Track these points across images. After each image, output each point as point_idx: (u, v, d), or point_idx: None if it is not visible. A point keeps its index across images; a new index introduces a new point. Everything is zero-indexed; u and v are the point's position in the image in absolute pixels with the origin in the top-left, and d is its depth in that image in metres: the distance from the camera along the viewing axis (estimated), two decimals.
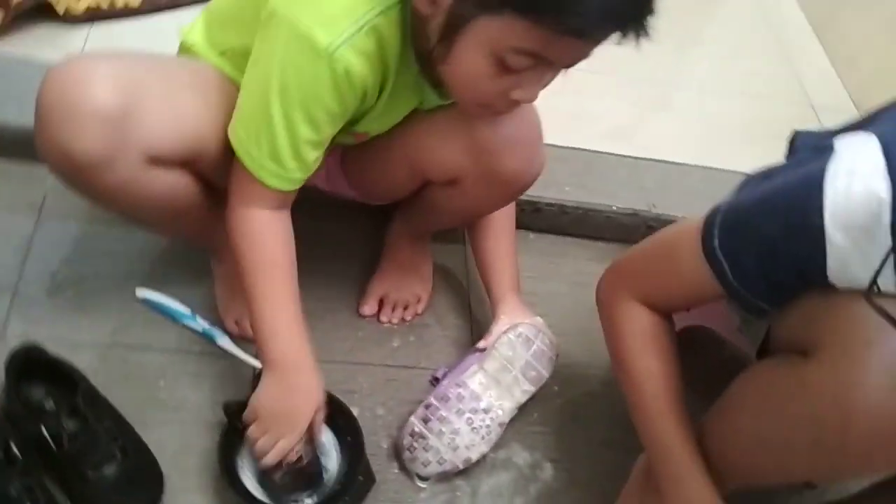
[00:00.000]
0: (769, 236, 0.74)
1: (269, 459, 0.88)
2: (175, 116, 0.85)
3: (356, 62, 0.78)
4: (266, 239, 0.88)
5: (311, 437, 0.92)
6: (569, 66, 0.77)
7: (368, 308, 1.15)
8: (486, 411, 1.01)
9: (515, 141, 0.93)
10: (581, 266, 1.29)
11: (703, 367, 0.97)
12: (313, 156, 0.85)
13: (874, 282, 0.66)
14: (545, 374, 1.07)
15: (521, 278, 1.13)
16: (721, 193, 0.85)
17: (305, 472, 0.93)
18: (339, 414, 0.98)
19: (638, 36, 0.72)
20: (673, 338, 0.90)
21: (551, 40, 0.71)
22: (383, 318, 1.15)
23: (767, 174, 0.82)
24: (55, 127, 0.78)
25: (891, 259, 0.66)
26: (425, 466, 0.99)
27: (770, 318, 0.82)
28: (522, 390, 1.05)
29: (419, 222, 1.15)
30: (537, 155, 0.97)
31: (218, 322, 1.07)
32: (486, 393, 1.02)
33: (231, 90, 0.88)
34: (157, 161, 0.84)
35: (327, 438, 0.97)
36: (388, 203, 1.14)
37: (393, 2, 0.79)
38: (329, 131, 0.85)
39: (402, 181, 1.03)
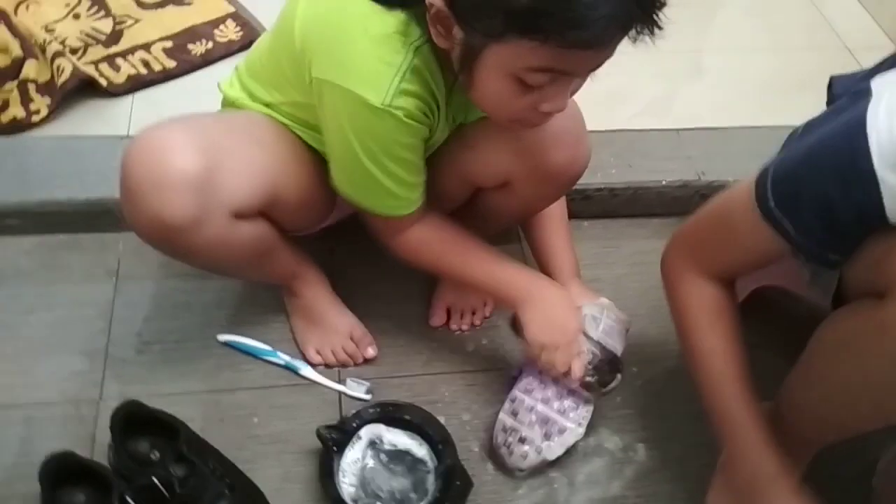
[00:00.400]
0: (823, 188, 0.74)
1: (578, 371, 0.97)
2: (250, 170, 0.91)
3: (411, 104, 0.84)
4: (433, 248, 0.99)
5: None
6: (591, 72, 0.79)
7: (437, 319, 1.17)
8: (571, 394, 1.02)
9: (559, 135, 0.95)
10: (639, 246, 1.30)
11: (781, 326, 0.96)
12: (418, 179, 0.93)
13: None
14: (619, 347, 1.07)
15: (581, 266, 1.14)
16: (768, 151, 0.85)
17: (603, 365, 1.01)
18: (428, 424, 1.00)
19: (651, 32, 0.73)
20: (736, 311, 0.90)
21: (562, 55, 0.72)
22: (453, 326, 1.17)
23: (810, 126, 0.82)
24: (145, 196, 0.83)
25: None
26: (524, 459, 1.00)
27: (840, 268, 0.82)
28: (617, 335, 1.05)
29: (474, 229, 1.17)
30: (583, 145, 0.99)
31: (298, 354, 1.11)
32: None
33: (287, 135, 0.95)
34: (240, 215, 0.90)
35: (420, 449, 1.00)
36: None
37: (420, 38, 0.82)
38: (418, 157, 0.91)
39: (454, 192, 1.06)
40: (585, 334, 1.01)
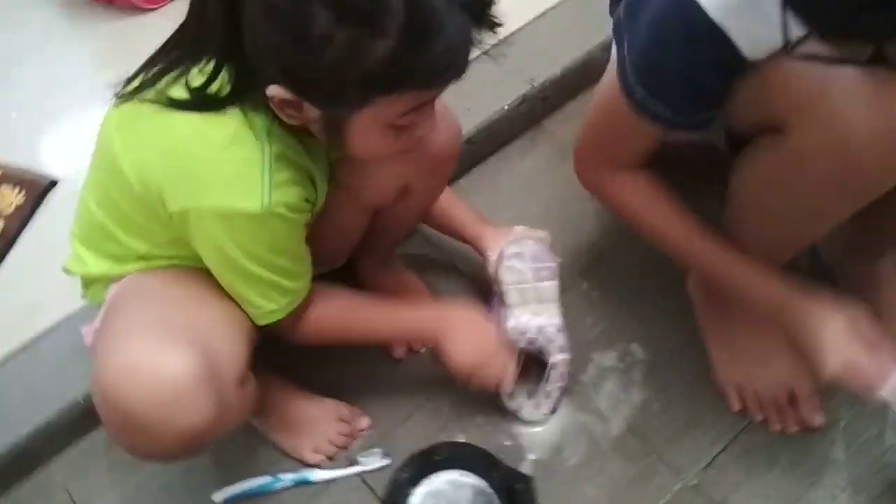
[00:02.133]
0: (679, 61, 0.77)
1: (508, 385, 1.01)
2: (225, 331, 0.86)
3: (291, 194, 0.79)
4: (334, 323, 0.96)
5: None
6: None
7: (398, 352, 1.14)
8: (540, 331, 1.04)
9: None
10: (520, 173, 1.31)
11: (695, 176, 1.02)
12: (308, 263, 0.90)
13: (787, 41, 0.68)
14: (553, 264, 1.10)
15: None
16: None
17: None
18: (463, 453, 1.01)
19: (492, 27, 0.72)
20: (661, 181, 0.94)
21: (422, 93, 0.73)
22: (397, 354, 1.14)
23: (631, 6, 0.84)
24: (158, 419, 0.76)
25: (789, 14, 0.68)
26: (538, 408, 1.05)
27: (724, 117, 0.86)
28: (550, 290, 1.08)
29: (383, 248, 1.14)
30: (453, 118, 1.00)
31: (299, 465, 1.06)
32: (529, 320, 1.05)
33: (198, 274, 0.88)
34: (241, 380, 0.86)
35: (469, 478, 0.99)
36: (345, 260, 1.12)
37: (267, 122, 0.77)
38: (303, 242, 0.88)
39: (359, 224, 1.03)
40: (516, 334, 1.03)
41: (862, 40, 0.59)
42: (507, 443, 1.06)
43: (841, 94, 0.69)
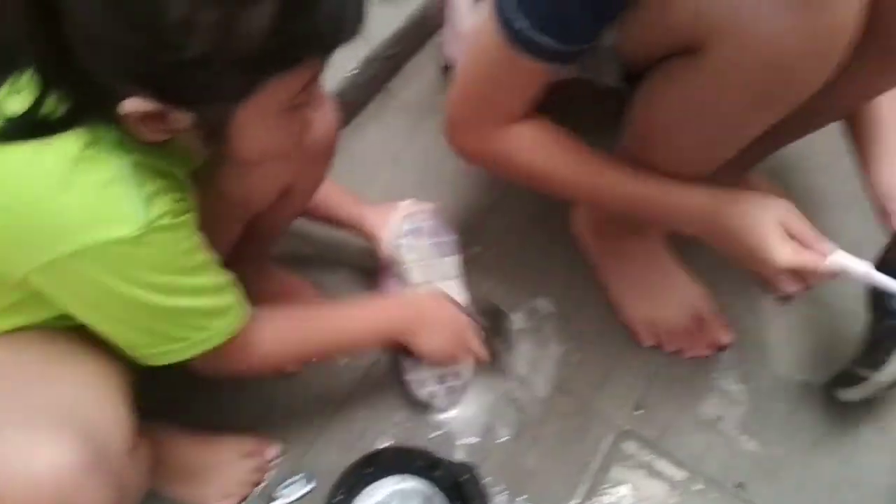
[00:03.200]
0: None
1: (483, 353, 0.95)
2: (105, 400, 0.70)
3: (167, 201, 0.63)
4: (288, 340, 0.82)
5: None
6: None
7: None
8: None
9: None
10: (372, 144, 1.21)
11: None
12: (227, 274, 0.73)
13: None
14: (452, 237, 1.05)
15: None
16: None
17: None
18: (397, 458, 0.92)
19: None
20: (552, 124, 0.87)
21: (320, 62, 0.61)
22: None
23: None
24: None
25: None
26: (451, 393, 0.99)
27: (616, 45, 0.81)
28: (453, 265, 1.03)
29: (258, 254, 0.99)
30: (326, 93, 0.83)
31: None
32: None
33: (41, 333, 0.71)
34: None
35: (410, 482, 0.91)
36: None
37: (116, 136, 0.61)
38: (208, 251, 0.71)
39: (231, 233, 0.89)
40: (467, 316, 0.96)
41: None
42: (434, 434, 0.98)
43: (760, 2, 0.66)
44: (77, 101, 0.58)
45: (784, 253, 0.78)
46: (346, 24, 0.59)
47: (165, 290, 0.65)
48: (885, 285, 0.80)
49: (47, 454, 0.61)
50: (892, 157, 0.90)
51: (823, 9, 0.65)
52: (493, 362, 1.00)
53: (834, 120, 0.95)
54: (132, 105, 0.56)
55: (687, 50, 0.73)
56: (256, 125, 0.62)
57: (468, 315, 0.96)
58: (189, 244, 0.67)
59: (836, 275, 0.80)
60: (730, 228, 0.82)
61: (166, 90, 0.56)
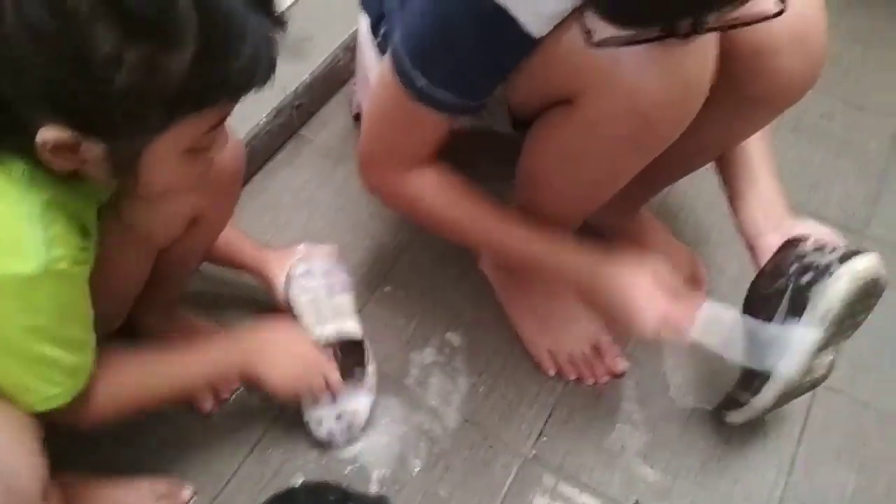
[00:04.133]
0: (463, 42, 0.78)
1: (337, 383, 0.95)
2: (11, 446, 0.70)
3: (69, 244, 0.66)
4: (122, 393, 0.83)
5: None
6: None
7: (207, 405, 1.03)
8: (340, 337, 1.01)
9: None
10: (286, 189, 1.25)
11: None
12: (92, 332, 0.76)
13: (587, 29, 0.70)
14: (345, 276, 1.08)
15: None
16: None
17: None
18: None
19: (281, 23, 0.66)
20: (451, 172, 0.93)
21: (230, 104, 0.66)
22: (205, 408, 1.03)
23: None
24: None
25: None
26: (350, 429, 1.00)
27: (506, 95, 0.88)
28: (346, 303, 1.05)
29: (166, 296, 1.02)
30: (230, 128, 0.85)
31: None
32: (324, 329, 1.00)
33: None
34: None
35: None
36: (123, 319, 0.98)
37: (27, 169, 0.64)
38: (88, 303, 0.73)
39: (139, 270, 0.91)
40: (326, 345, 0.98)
41: (654, 24, 0.64)
42: (349, 468, 1.01)
43: (629, 61, 0.73)
44: None
45: (650, 319, 0.86)
46: (258, 74, 0.64)
47: (35, 332, 0.68)
48: (752, 329, 0.89)
49: None
50: (756, 195, 0.99)
51: (680, 65, 0.73)
52: (346, 389, 1.00)
53: (707, 161, 1.05)
54: (48, 133, 0.59)
55: (566, 101, 0.81)
56: (164, 161, 0.66)
57: (327, 345, 0.96)
58: (79, 294, 0.70)
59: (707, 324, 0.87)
60: (606, 287, 0.90)
61: (83, 120, 0.59)
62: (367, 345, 1.03)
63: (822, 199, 1.34)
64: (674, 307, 0.87)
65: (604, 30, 0.67)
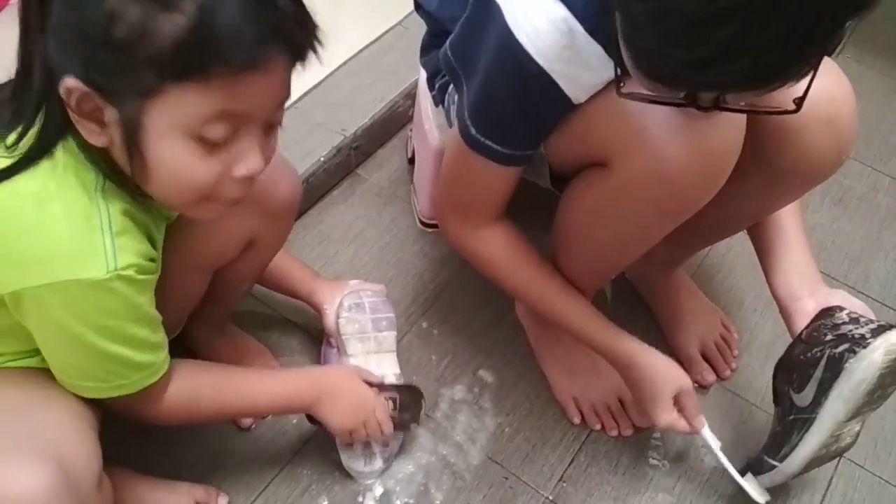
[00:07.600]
0: (511, 101, 0.84)
1: (389, 431, 1.01)
2: (72, 432, 0.78)
3: (136, 252, 0.73)
4: (201, 400, 0.89)
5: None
6: (274, 113, 0.73)
7: (246, 421, 1.09)
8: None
9: (272, 168, 0.78)
10: (338, 224, 1.32)
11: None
12: (163, 332, 0.82)
13: (618, 79, 0.76)
14: (391, 315, 1.14)
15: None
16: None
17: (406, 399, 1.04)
18: None
19: (314, 49, 0.70)
20: (518, 236, 1.01)
21: (230, 89, 0.65)
22: (244, 424, 1.10)
23: (462, 52, 0.89)
24: None
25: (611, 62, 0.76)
26: (375, 460, 1.05)
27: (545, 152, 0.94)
28: (389, 340, 1.11)
29: (219, 313, 1.10)
30: (288, 163, 1.00)
31: None
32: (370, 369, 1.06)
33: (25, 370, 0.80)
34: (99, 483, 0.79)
35: None
36: (179, 331, 1.05)
37: (99, 180, 0.71)
38: (154, 307, 0.80)
39: (196, 287, 0.99)
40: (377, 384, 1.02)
41: (681, 89, 0.68)
42: (378, 493, 1.06)
43: (658, 128, 0.78)
44: (44, 122, 0.69)
45: (665, 418, 0.99)
46: (242, 48, 0.64)
47: (109, 335, 0.75)
48: (725, 466, 1.03)
49: (25, 478, 0.69)
50: (791, 261, 1.02)
51: (707, 135, 0.78)
52: (398, 433, 1.06)
53: (740, 229, 1.08)
54: (70, 82, 0.65)
55: (601, 163, 0.86)
56: (163, 137, 0.67)
57: (380, 389, 1.01)
58: (143, 299, 0.76)
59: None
60: (637, 379, 1.01)
61: (91, 71, 0.65)
62: (423, 402, 1.06)
63: (861, 273, 1.35)
64: (682, 420, 1.00)
65: (633, 83, 0.72)
